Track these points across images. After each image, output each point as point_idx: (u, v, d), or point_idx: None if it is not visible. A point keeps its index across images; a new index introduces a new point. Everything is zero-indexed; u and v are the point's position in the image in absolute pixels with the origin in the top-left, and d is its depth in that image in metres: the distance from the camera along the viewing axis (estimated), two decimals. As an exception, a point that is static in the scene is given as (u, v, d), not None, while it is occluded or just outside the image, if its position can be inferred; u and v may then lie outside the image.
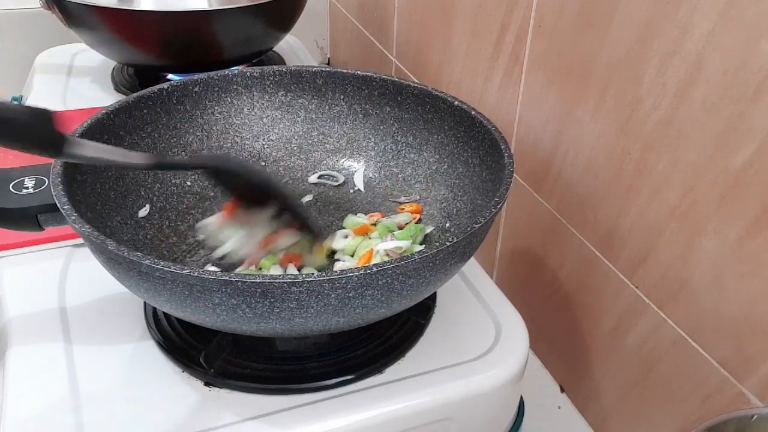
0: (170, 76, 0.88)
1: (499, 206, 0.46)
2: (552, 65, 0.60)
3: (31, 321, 0.53)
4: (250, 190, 0.51)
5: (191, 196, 0.62)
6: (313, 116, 0.67)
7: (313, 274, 0.39)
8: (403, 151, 0.64)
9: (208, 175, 0.53)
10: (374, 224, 0.59)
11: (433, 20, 0.82)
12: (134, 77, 0.92)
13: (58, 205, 0.45)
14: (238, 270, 0.53)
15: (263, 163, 0.66)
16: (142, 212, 0.57)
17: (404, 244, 0.55)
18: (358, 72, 0.64)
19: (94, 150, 0.44)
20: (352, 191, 0.65)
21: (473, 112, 0.57)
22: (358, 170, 0.66)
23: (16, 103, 0.38)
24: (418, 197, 0.62)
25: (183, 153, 0.62)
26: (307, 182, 0.66)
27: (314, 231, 0.54)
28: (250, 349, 0.50)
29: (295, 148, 0.67)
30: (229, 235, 0.53)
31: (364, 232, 0.58)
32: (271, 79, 0.65)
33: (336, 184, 0.66)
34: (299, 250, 0.54)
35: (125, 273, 0.42)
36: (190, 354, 0.49)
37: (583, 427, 0.64)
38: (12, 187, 0.50)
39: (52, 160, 0.48)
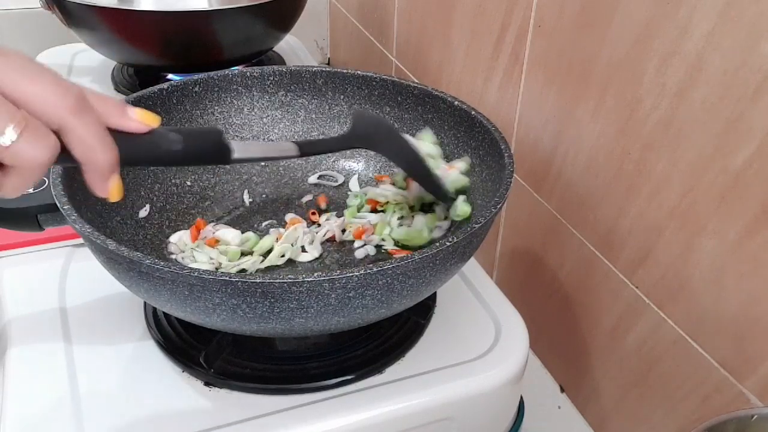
0: (170, 76, 0.88)
1: (499, 206, 0.46)
2: (552, 65, 0.60)
3: (31, 321, 0.53)
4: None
5: (191, 196, 0.62)
6: (313, 116, 0.67)
7: (313, 274, 0.39)
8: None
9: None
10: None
11: (433, 20, 0.82)
12: (134, 77, 0.92)
13: (58, 205, 0.45)
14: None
15: (263, 163, 0.66)
16: (143, 212, 0.57)
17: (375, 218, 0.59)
18: (358, 72, 0.64)
19: (251, 150, 0.47)
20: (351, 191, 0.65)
21: (473, 112, 0.57)
22: (352, 176, 0.66)
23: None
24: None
25: (183, 153, 0.62)
26: (307, 182, 0.66)
27: (440, 191, 0.56)
28: (250, 349, 0.50)
29: (295, 148, 0.67)
30: (200, 255, 0.55)
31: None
32: (271, 79, 0.65)
33: (336, 184, 0.66)
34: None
35: (125, 273, 0.42)
36: (190, 354, 0.49)
37: (583, 427, 0.64)
38: (12, 187, 0.50)
39: None
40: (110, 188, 0.37)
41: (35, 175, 0.33)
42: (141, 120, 0.38)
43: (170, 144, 0.40)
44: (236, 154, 0.44)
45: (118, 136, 0.36)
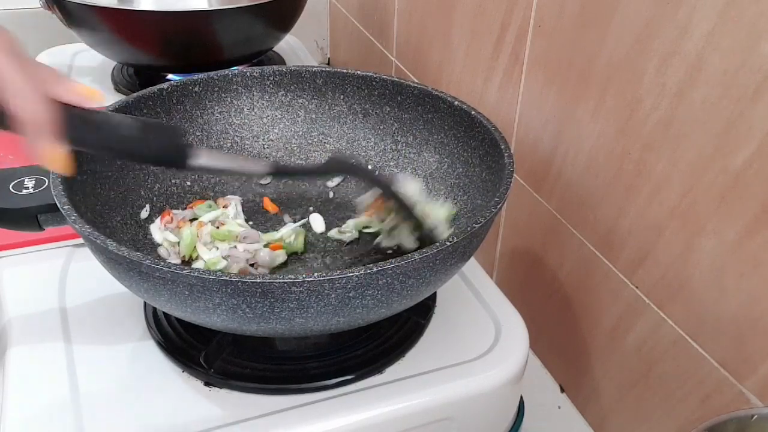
0: (170, 76, 0.88)
1: (499, 206, 0.46)
2: (552, 65, 0.60)
3: (31, 321, 0.53)
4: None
5: (191, 196, 0.62)
6: (313, 116, 0.67)
7: (313, 274, 0.39)
8: (403, 151, 0.64)
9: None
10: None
11: (433, 20, 0.82)
12: (134, 77, 0.92)
13: (59, 205, 0.45)
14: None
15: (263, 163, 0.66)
16: (144, 213, 0.57)
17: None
18: (358, 72, 0.64)
19: (215, 160, 0.44)
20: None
21: (473, 112, 0.57)
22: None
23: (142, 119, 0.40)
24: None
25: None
26: (308, 183, 0.66)
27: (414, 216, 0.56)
28: (250, 349, 0.50)
29: (295, 148, 0.67)
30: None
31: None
32: (271, 79, 0.65)
33: (333, 185, 0.66)
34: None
35: (125, 273, 0.43)
36: (190, 354, 0.49)
37: (583, 427, 0.64)
38: (12, 187, 0.50)
39: None
40: (49, 154, 0.36)
41: None
42: (80, 92, 0.38)
43: (123, 129, 0.39)
44: (195, 161, 0.42)
45: (64, 106, 0.36)
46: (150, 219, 0.57)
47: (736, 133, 0.44)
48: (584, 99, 0.57)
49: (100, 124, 0.38)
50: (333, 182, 0.65)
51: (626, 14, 0.51)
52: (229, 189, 0.64)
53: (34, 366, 0.49)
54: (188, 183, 0.62)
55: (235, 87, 0.64)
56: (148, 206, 0.58)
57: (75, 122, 0.37)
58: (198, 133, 0.63)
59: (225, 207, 0.59)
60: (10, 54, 0.35)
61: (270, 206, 0.63)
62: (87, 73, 0.94)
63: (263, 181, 0.65)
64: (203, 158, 0.42)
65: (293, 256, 0.57)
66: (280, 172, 0.50)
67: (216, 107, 0.64)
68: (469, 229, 0.44)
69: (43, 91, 0.36)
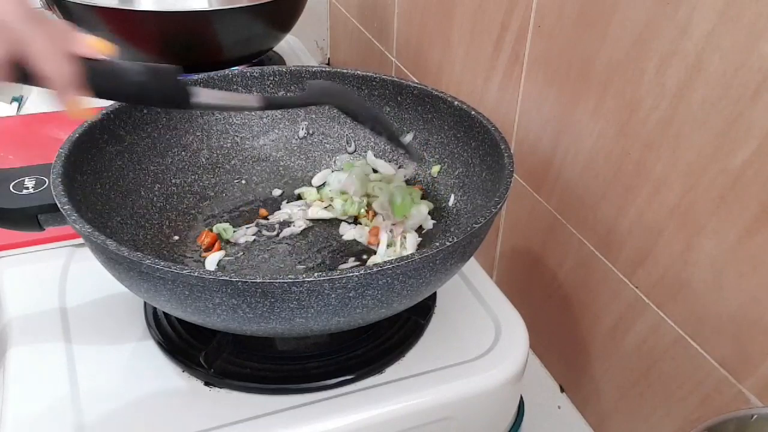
0: (170, 76, 0.88)
1: (499, 206, 0.46)
2: (552, 65, 0.60)
3: (32, 321, 0.53)
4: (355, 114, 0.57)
5: (191, 196, 0.62)
6: (313, 116, 0.67)
7: (313, 274, 0.39)
8: (403, 151, 0.64)
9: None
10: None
11: (433, 20, 0.82)
12: (134, 77, 0.92)
13: (59, 205, 0.45)
14: None
15: (263, 163, 0.66)
16: (144, 213, 0.57)
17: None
18: (358, 72, 0.64)
19: (213, 97, 0.47)
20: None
21: (473, 112, 0.57)
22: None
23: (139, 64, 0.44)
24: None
25: (183, 153, 0.62)
26: (308, 182, 0.66)
27: (402, 143, 0.58)
28: (250, 349, 0.50)
29: (295, 148, 0.67)
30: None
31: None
32: (271, 79, 0.65)
33: None
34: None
35: (125, 273, 0.43)
36: (190, 354, 0.49)
37: (582, 427, 0.64)
38: (12, 187, 0.50)
39: (53, 160, 0.48)
40: (77, 104, 0.40)
41: None
42: (94, 46, 0.41)
43: (132, 75, 0.42)
44: (197, 98, 0.45)
45: (82, 60, 0.39)
46: (150, 218, 0.57)
47: (736, 133, 0.44)
48: (584, 99, 0.57)
49: (114, 74, 0.42)
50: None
51: (626, 14, 0.51)
52: (227, 189, 0.64)
53: (34, 366, 0.49)
54: (188, 183, 0.62)
55: (235, 87, 0.64)
56: (148, 206, 0.58)
57: (93, 74, 0.41)
58: (198, 133, 0.64)
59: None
60: (27, 13, 0.37)
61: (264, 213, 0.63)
62: (87, 73, 0.94)
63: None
64: (203, 96, 0.45)
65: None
66: (272, 105, 0.53)
67: (216, 107, 0.64)
68: (469, 229, 0.44)
69: (63, 47, 0.39)
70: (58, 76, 0.39)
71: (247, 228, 0.60)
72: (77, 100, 0.40)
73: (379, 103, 0.64)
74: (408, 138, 0.63)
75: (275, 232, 0.60)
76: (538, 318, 0.68)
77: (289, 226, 0.60)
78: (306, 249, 0.58)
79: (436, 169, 0.62)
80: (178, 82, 0.44)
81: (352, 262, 0.57)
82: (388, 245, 0.57)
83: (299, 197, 0.64)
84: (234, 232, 0.59)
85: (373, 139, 0.66)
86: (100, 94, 0.42)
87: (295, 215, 0.61)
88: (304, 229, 0.60)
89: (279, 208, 0.63)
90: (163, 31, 0.79)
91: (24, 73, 0.38)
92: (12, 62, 0.37)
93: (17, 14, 0.37)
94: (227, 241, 0.58)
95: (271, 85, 0.65)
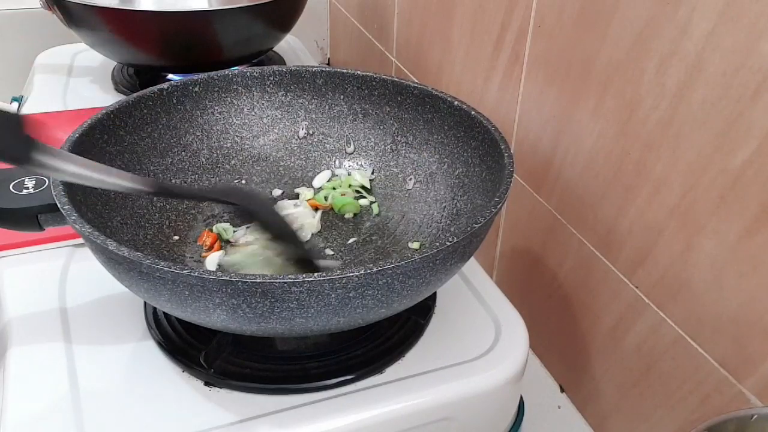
0: (170, 76, 0.88)
1: (499, 206, 0.46)
2: (552, 65, 0.60)
3: (31, 321, 0.53)
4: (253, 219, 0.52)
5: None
6: (313, 116, 0.67)
7: (313, 274, 0.39)
8: (403, 151, 0.64)
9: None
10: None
11: (433, 20, 0.82)
12: (134, 77, 0.92)
13: (59, 205, 0.45)
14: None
15: (263, 163, 0.66)
16: (144, 213, 0.57)
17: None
18: (358, 72, 0.64)
19: (73, 163, 0.38)
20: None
21: (473, 112, 0.57)
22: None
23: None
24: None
25: (183, 153, 0.62)
26: (308, 182, 0.66)
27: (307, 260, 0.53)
28: (250, 349, 0.50)
29: (295, 148, 0.67)
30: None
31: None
32: (271, 79, 0.65)
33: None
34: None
35: (125, 273, 0.43)
36: (190, 354, 0.49)
37: (582, 427, 0.64)
38: (12, 187, 0.50)
39: None
40: None
41: None
42: None
43: None
44: (42, 157, 0.37)
45: None
46: (150, 218, 0.57)
47: (736, 133, 0.44)
48: (584, 99, 0.57)
49: None
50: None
51: (626, 14, 0.51)
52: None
53: (34, 366, 0.49)
54: (188, 183, 0.62)
55: (235, 87, 0.64)
56: (148, 206, 0.58)
57: None
58: (198, 133, 0.64)
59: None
60: None
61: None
62: (87, 73, 0.94)
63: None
64: (50, 157, 0.37)
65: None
66: (164, 192, 0.46)
67: (216, 107, 0.65)
68: (469, 229, 0.44)
69: None
70: None
71: (246, 228, 0.60)
72: None
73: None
74: (330, 261, 0.58)
75: None
76: (538, 318, 0.68)
77: None
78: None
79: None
80: (19, 133, 0.36)
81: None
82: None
83: (298, 196, 0.64)
84: (234, 232, 0.59)
85: (372, 140, 0.66)
86: None
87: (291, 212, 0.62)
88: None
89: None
90: (163, 31, 0.79)
91: None
92: None
93: None
94: (227, 241, 0.58)
95: (271, 85, 0.65)
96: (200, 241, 0.58)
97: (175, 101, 0.62)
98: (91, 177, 0.40)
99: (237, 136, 0.65)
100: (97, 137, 0.54)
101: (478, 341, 0.53)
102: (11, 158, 0.37)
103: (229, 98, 0.65)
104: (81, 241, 0.59)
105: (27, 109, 0.85)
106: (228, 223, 0.60)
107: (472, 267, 0.60)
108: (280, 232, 0.52)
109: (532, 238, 0.69)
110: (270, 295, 0.40)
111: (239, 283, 0.39)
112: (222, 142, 0.65)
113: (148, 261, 0.39)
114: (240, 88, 0.65)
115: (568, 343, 0.65)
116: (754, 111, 0.42)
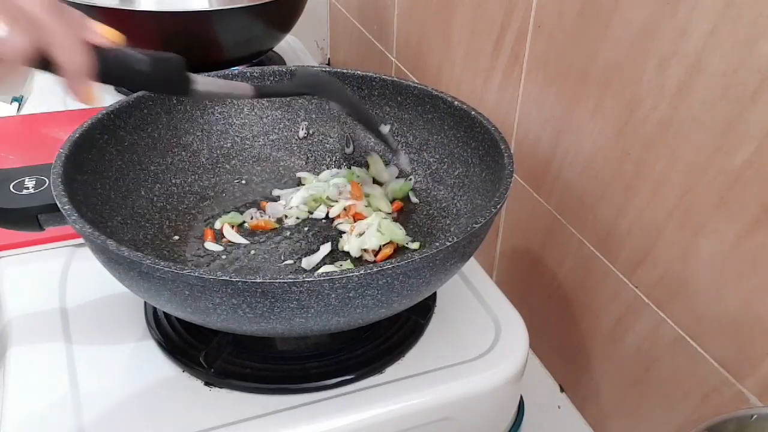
0: (170, 76, 0.88)
1: (499, 206, 0.46)
2: (552, 65, 0.61)
3: (32, 321, 0.53)
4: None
5: (191, 196, 0.62)
6: (313, 116, 0.67)
7: (313, 274, 0.39)
8: (403, 151, 0.64)
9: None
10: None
11: (433, 20, 0.82)
12: (134, 77, 0.92)
13: (59, 205, 0.45)
14: None
15: (264, 163, 0.66)
16: (144, 213, 0.57)
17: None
18: (358, 72, 0.64)
19: (211, 84, 0.48)
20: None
21: (473, 112, 0.57)
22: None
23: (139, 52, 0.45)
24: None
25: (183, 153, 0.62)
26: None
27: (380, 134, 0.59)
28: (250, 349, 0.50)
29: (295, 148, 0.67)
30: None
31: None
32: (271, 79, 0.65)
33: None
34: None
35: (126, 273, 0.43)
36: (190, 354, 0.49)
37: (582, 427, 0.64)
38: (12, 187, 0.50)
39: (53, 160, 0.48)
40: (87, 92, 0.42)
41: (15, 66, 0.38)
42: (104, 34, 0.43)
43: (138, 63, 0.44)
44: (196, 86, 0.47)
45: (93, 48, 0.41)
46: (150, 218, 0.57)
47: (735, 133, 0.44)
48: (584, 99, 0.57)
49: (122, 62, 0.44)
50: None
51: (626, 14, 0.51)
52: (227, 188, 0.64)
53: (34, 366, 0.49)
54: (188, 183, 0.62)
55: (235, 87, 0.64)
56: (149, 206, 0.58)
57: (103, 62, 0.42)
58: (198, 133, 0.64)
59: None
60: (50, 3, 0.38)
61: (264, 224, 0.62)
62: (87, 73, 0.94)
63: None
64: (200, 83, 0.47)
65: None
66: (263, 93, 0.54)
67: (216, 107, 0.65)
68: (469, 229, 0.44)
69: (78, 36, 0.40)
70: (73, 66, 0.40)
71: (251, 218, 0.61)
72: (87, 88, 0.41)
73: (379, 103, 0.64)
74: (386, 129, 0.64)
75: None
76: (538, 318, 0.68)
77: (287, 218, 0.61)
78: (306, 246, 0.58)
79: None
80: (181, 70, 0.46)
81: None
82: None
83: (299, 182, 0.65)
84: (242, 218, 0.61)
85: (373, 140, 0.66)
86: (107, 82, 0.44)
87: (290, 206, 0.62)
88: (302, 221, 0.61)
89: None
90: (163, 31, 0.79)
91: (43, 61, 0.39)
92: (35, 51, 0.38)
93: (42, 5, 0.38)
94: (241, 225, 0.60)
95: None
96: (205, 239, 0.58)
97: (175, 101, 0.62)
98: (219, 93, 0.50)
99: (237, 136, 0.65)
100: (97, 137, 0.54)
101: (478, 341, 0.53)
102: (179, 94, 0.48)
103: (229, 98, 0.65)
104: (81, 241, 0.59)
105: (27, 110, 0.85)
106: (234, 211, 0.61)
107: (472, 267, 0.60)
108: (358, 108, 0.60)
109: (531, 238, 0.69)
110: (270, 295, 0.40)
111: (239, 283, 0.39)
112: (222, 142, 0.65)
113: (148, 261, 0.39)
114: (240, 88, 0.65)
115: (568, 343, 0.65)
116: (754, 111, 0.42)
